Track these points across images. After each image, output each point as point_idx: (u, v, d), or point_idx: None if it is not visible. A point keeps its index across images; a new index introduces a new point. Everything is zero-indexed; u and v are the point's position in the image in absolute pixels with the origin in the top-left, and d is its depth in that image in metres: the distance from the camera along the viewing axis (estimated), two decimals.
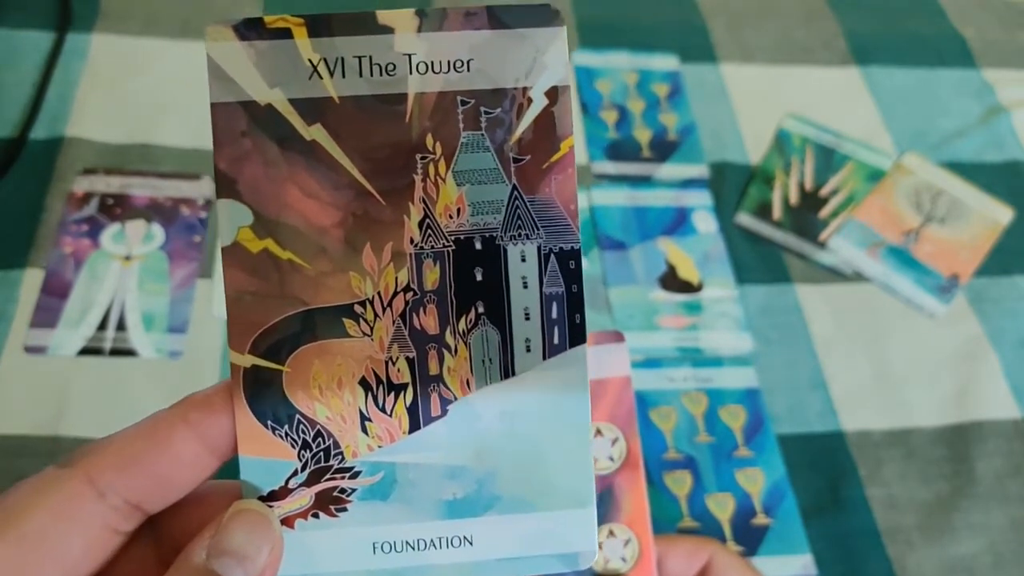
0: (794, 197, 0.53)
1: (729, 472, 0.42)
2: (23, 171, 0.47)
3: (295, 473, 0.18)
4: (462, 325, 0.18)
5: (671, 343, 0.46)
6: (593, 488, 0.18)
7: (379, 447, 0.18)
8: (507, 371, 0.18)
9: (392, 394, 0.18)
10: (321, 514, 0.18)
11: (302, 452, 0.18)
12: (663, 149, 0.54)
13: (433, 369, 0.18)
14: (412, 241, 0.18)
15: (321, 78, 0.17)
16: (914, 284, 0.50)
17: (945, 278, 0.50)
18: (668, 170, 0.53)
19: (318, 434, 0.18)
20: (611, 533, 0.29)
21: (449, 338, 0.18)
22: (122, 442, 0.17)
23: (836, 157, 0.55)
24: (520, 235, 0.18)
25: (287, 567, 0.18)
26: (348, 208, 0.18)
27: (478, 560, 0.18)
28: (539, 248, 0.18)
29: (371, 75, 0.17)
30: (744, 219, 0.52)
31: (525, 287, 0.18)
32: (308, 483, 0.18)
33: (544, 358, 0.18)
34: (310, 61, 0.17)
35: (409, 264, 0.18)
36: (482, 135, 0.18)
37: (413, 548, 0.18)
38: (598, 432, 0.29)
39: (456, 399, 0.18)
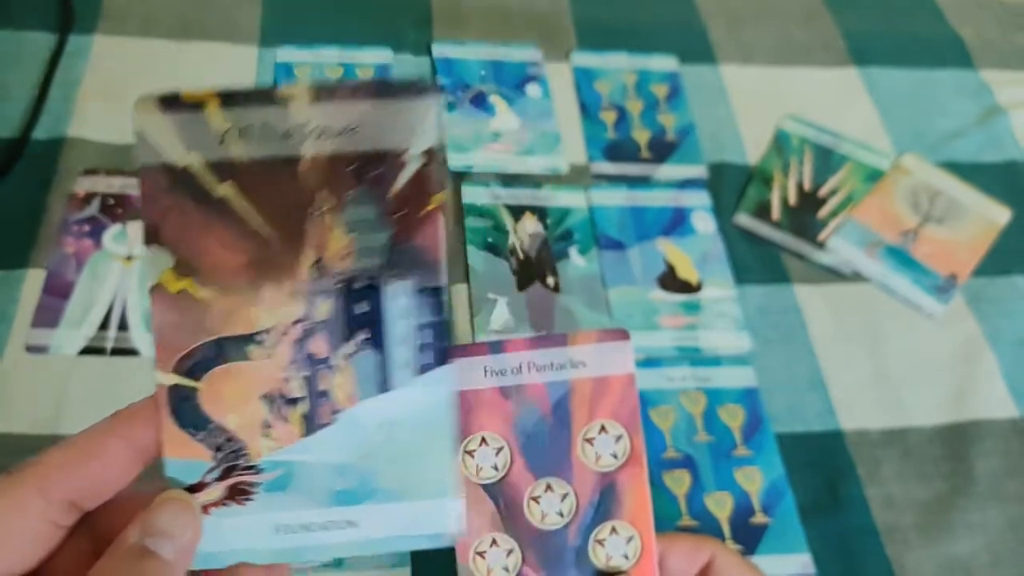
0: (793, 197, 0.53)
1: (728, 471, 0.42)
2: (25, 171, 0.47)
3: (210, 471, 0.21)
4: (348, 349, 0.21)
5: (670, 343, 0.46)
6: (457, 481, 0.22)
7: (279, 449, 0.21)
8: (384, 387, 0.22)
9: (289, 406, 0.21)
10: (232, 503, 0.21)
11: (216, 453, 0.21)
12: (662, 150, 0.54)
13: (323, 386, 0.21)
14: (306, 280, 0.21)
15: (230, 143, 0.20)
16: (912, 284, 0.50)
17: (943, 278, 0.50)
18: (667, 170, 0.53)
19: (229, 439, 0.21)
20: (613, 530, 0.29)
21: (336, 360, 0.21)
22: (65, 449, 0.21)
23: (834, 157, 0.55)
24: (397, 275, 0.21)
25: (204, 545, 0.21)
26: (253, 253, 0.21)
27: (361, 539, 0.22)
28: (412, 286, 0.21)
29: (272, 140, 0.20)
30: (743, 219, 0.52)
31: (400, 318, 0.22)
32: (221, 478, 0.21)
33: (416, 375, 0.22)
34: (221, 129, 0.20)
35: (304, 300, 0.21)
36: (367, 191, 0.21)
37: (307, 530, 0.22)
38: (602, 429, 0.29)
39: (342, 410, 0.22)
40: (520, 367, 0.29)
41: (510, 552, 0.28)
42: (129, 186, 0.47)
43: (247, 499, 0.21)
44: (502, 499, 0.29)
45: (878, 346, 0.48)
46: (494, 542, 0.28)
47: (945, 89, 0.61)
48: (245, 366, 0.21)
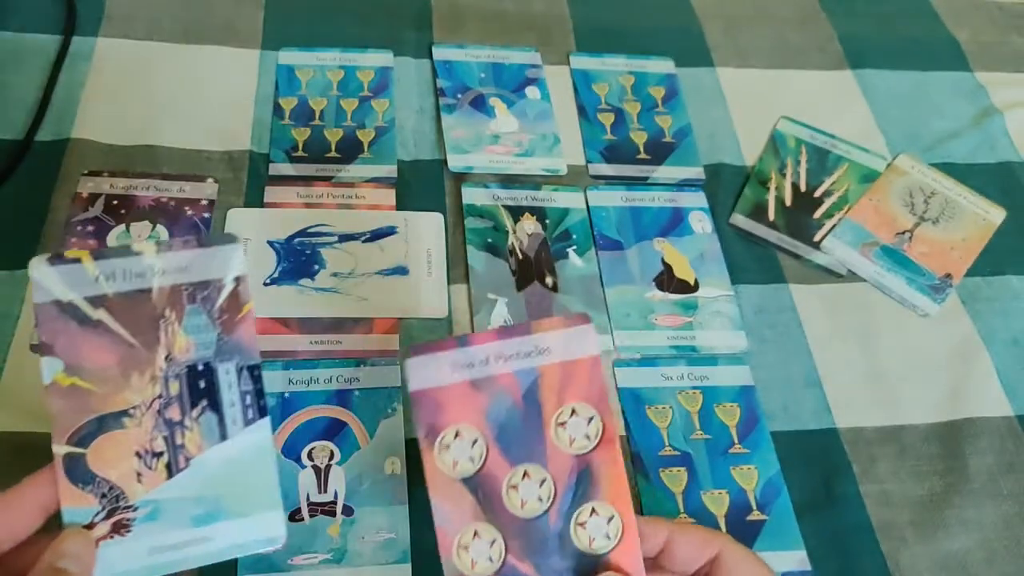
0: (789, 198, 0.54)
1: (724, 468, 0.42)
2: (29, 172, 0.48)
3: (98, 513, 0.28)
4: (195, 413, 0.29)
5: (667, 342, 0.46)
6: (279, 498, 0.30)
7: (149, 491, 0.29)
8: (223, 437, 0.29)
9: (155, 458, 0.29)
10: (116, 536, 0.28)
11: (102, 500, 0.28)
12: (659, 151, 0.55)
13: (179, 441, 0.29)
14: (161, 369, 0.29)
15: (102, 283, 0.29)
16: (907, 284, 0.50)
17: (938, 278, 0.51)
18: (664, 171, 0.54)
19: (111, 488, 0.28)
20: (593, 511, 0.29)
21: (187, 422, 0.29)
22: None
23: (830, 158, 0.56)
24: (224, 359, 0.30)
25: (96, 572, 0.28)
26: (122, 354, 0.29)
27: (216, 550, 0.29)
28: (236, 365, 0.30)
29: (130, 279, 0.29)
30: (739, 220, 0.52)
31: (229, 387, 0.30)
32: (106, 518, 0.28)
33: (244, 427, 0.30)
34: (94, 274, 0.29)
35: (160, 382, 0.29)
36: (199, 306, 0.30)
37: (174, 548, 0.29)
38: (573, 412, 0.30)
39: (193, 457, 0.29)
40: (487, 359, 0.29)
41: (493, 542, 0.29)
42: (133, 187, 0.48)
43: (127, 531, 0.28)
44: (480, 490, 0.29)
45: (873, 345, 0.48)
46: (476, 534, 0.29)
47: (940, 91, 0.61)
48: (121, 433, 0.29)
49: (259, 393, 0.30)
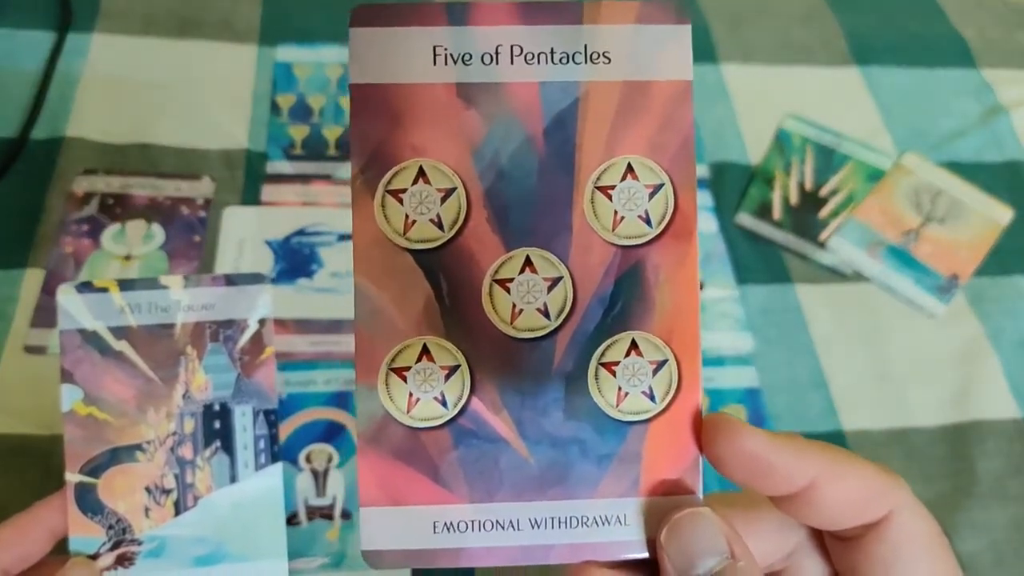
0: (794, 197, 0.53)
1: None
2: (24, 171, 0.47)
3: (104, 544, 0.28)
4: (207, 453, 0.29)
5: None
6: (283, 546, 0.29)
7: (156, 526, 0.29)
8: (233, 479, 0.30)
9: (164, 495, 0.29)
10: (119, 568, 0.29)
11: (108, 531, 0.29)
12: None
13: (189, 480, 0.29)
14: (178, 406, 0.29)
15: (126, 314, 0.29)
16: (914, 284, 0.50)
17: (945, 278, 0.50)
18: None
19: (118, 520, 0.29)
20: (634, 348, 0.18)
21: (199, 461, 0.29)
22: (1, 530, 0.28)
23: (836, 157, 0.55)
24: (242, 401, 0.30)
25: None
26: (140, 387, 0.29)
27: None
28: (252, 409, 0.30)
29: (155, 312, 0.29)
30: (744, 219, 0.52)
31: (244, 430, 0.30)
32: (112, 549, 0.29)
33: (255, 471, 0.30)
34: (120, 304, 0.29)
35: (175, 419, 0.29)
36: (221, 345, 0.29)
37: None
38: (628, 172, 0.18)
39: (202, 497, 0.29)
40: (497, 52, 0.18)
41: (452, 371, 0.18)
42: (128, 186, 0.47)
43: (131, 564, 0.29)
44: (445, 279, 0.18)
45: (880, 346, 0.47)
46: (426, 352, 0.18)
47: (947, 88, 0.60)
48: (133, 467, 0.29)
49: (273, 438, 0.30)
